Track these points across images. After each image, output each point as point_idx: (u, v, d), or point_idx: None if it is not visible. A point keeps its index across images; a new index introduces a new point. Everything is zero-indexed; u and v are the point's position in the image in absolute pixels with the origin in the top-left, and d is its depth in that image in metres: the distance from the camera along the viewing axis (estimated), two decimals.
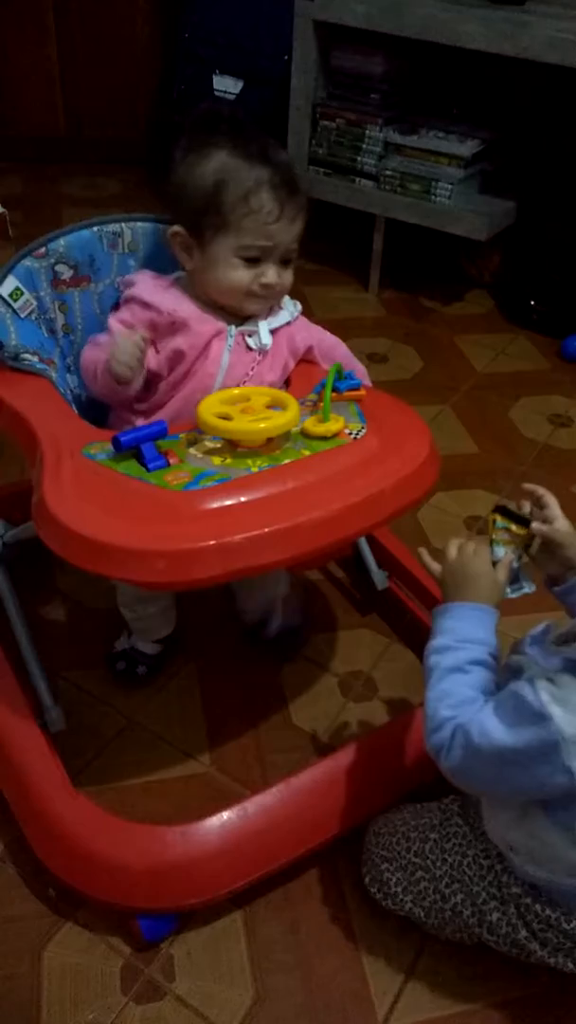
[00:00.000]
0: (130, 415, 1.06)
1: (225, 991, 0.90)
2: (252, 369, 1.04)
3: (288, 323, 1.08)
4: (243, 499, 0.84)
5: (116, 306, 1.09)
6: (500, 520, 0.92)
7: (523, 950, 0.85)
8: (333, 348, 1.14)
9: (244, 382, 1.03)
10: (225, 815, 0.93)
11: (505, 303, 2.29)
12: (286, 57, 2.13)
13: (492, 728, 0.75)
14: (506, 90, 2.11)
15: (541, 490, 0.93)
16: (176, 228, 1.02)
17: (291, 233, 1.01)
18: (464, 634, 0.84)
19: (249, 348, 1.04)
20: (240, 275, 1.00)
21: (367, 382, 1.10)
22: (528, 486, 0.94)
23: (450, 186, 2.04)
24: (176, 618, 1.20)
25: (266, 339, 1.04)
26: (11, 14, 2.62)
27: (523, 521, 0.91)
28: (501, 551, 0.90)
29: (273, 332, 1.06)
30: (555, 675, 0.74)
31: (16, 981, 0.89)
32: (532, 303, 2.19)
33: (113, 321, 1.03)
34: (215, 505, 0.83)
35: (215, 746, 1.14)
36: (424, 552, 0.96)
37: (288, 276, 1.04)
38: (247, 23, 2.25)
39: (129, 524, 0.81)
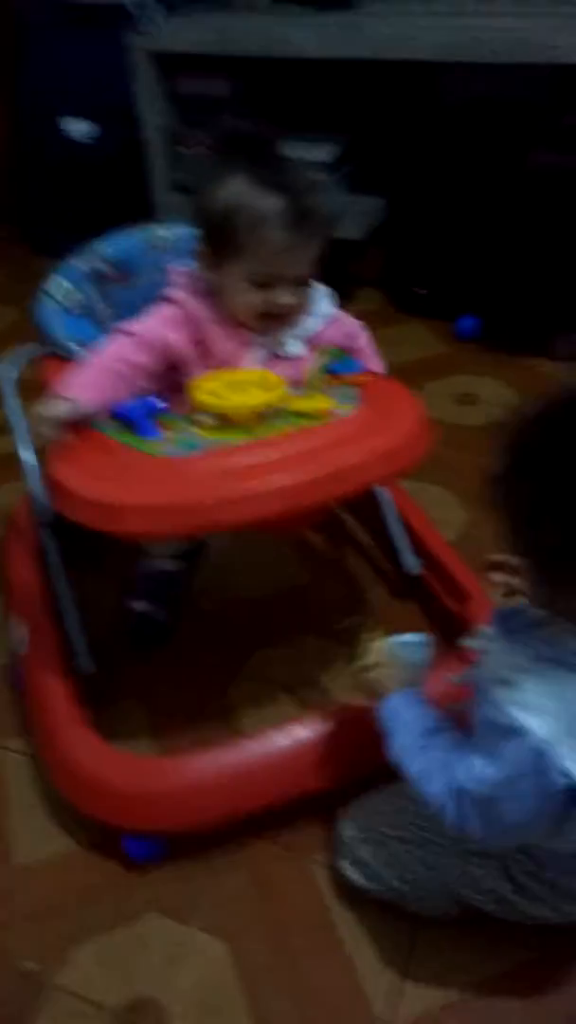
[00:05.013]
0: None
1: None
2: (285, 375, 1.05)
3: (317, 331, 1.11)
4: (218, 466, 0.92)
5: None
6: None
7: (508, 905, 0.86)
8: (356, 335, 1.19)
9: None
10: (212, 753, 1.01)
11: (394, 295, 2.33)
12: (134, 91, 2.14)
13: (480, 769, 0.72)
14: (356, 92, 2.15)
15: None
16: (200, 247, 1.07)
17: (302, 261, 1.02)
18: (403, 719, 0.84)
19: (278, 356, 1.09)
20: (251, 298, 1.03)
21: (381, 371, 1.19)
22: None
23: None
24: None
25: (294, 348, 1.09)
26: None
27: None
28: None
29: (304, 339, 1.10)
30: (514, 674, 0.72)
31: None
32: (419, 291, 2.23)
33: (150, 321, 1.06)
34: (192, 470, 0.92)
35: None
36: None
37: (303, 295, 1.06)
38: (89, 62, 2.25)
39: (113, 485, 0.92)
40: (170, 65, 2.04)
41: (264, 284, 1.02)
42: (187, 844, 1.04)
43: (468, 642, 0.85)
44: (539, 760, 0.68)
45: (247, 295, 1.03)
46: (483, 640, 0.81)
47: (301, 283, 1.05)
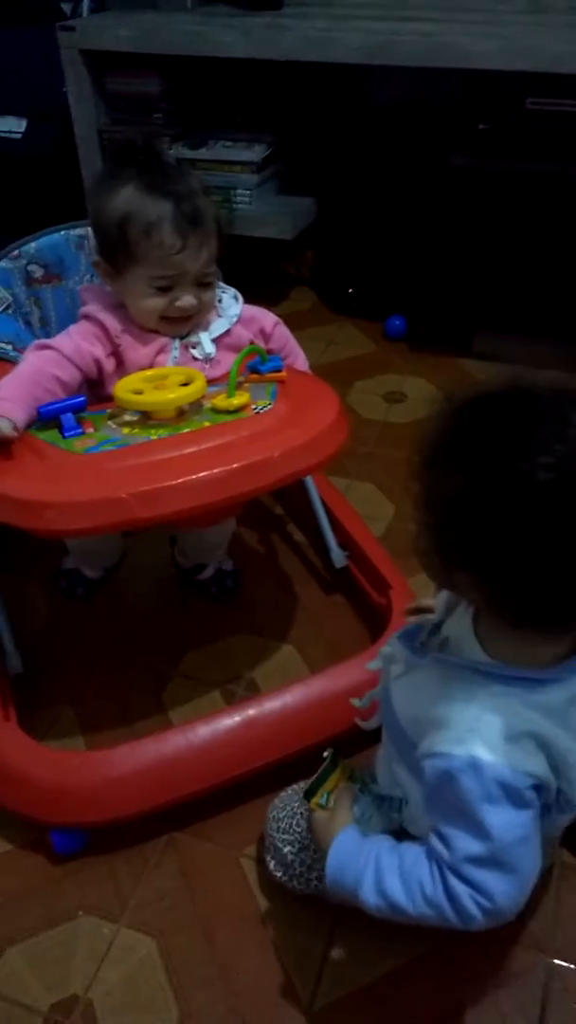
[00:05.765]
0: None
1: (151, 1018, 0.89)
2: (204, 375, 1.05)
3: (228, 329, 1.13)
4: (136, 461, 0.92)
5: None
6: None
7: None
8: (272, 333, 1.20)
9: None
10: (133, 745, 1.02)
11: (326, 295, 2.35)
12: (65, 89, 2.12)
13: (461, 835, 0.68)
14: (286, 92, 2.17)
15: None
16: (96, 258, 1.10)
17: (198, 261, 1.05)
18: (355, 863, 0.77)
19: (195, 358, 1.09)
20: (154, 302, 1.06)
21: (304, 366, 1.22)
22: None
23: (248, 192, 2.08)
24: (120, 551, 1.36)
25: (209, 348, 1.10)
26: None
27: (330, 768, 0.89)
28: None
29: (216, 340, 1.11)
30: (429, 711, 0.71)
31: None
32: (350, 291, 2.26)
33: (71, 336, 1.07)
34: (111, 466, 0.92)
35: None
36: None
37: (207, 296, 1.09)
38: (19, 60, 2.23)
39: (33, 482, 0.92)
40: (101, 62, 2.03)
41: (164, 288, 1.05)
42: (116, 842, 1.04)
43: (370, 665, 0.86)
44: (503, 780, 0.67)
45: (149, 300, 1.06)
46: (384, 660, 0.83)
47: (203, 284, 1.07)
